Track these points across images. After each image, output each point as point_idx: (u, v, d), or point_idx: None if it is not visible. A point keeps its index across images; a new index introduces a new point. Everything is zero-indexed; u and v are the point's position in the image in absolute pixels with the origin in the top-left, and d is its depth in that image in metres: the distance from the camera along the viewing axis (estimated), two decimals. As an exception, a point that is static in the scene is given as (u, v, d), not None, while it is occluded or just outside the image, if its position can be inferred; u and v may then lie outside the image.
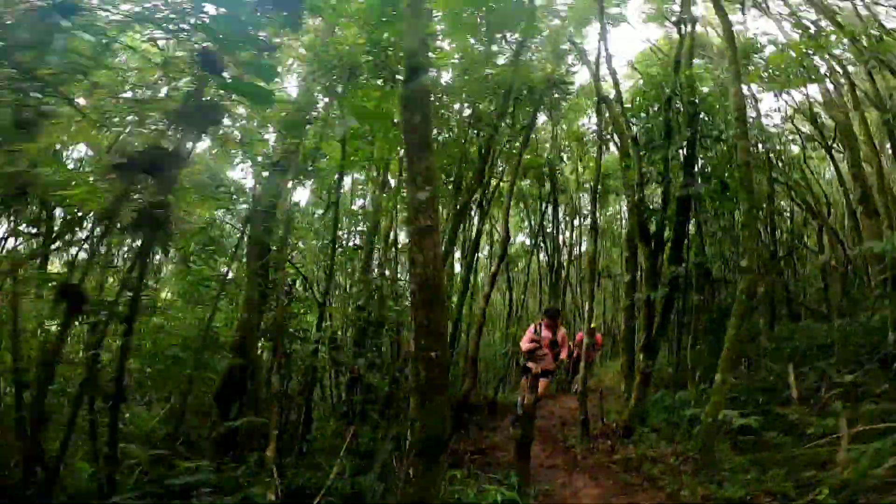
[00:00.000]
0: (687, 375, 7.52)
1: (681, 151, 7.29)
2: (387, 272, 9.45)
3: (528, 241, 19.36)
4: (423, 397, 2.33)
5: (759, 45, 12.89)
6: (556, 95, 11.88)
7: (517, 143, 10.65)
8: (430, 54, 4.79)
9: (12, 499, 3.25)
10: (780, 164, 12.92)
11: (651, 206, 7.56)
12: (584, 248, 20.07)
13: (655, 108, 8.16)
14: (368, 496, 3.36)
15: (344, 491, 3.35)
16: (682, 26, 9.97)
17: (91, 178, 3.11)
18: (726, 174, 7.53)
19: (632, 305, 8.21)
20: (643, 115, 8.36)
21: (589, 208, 15.79)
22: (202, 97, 3.04)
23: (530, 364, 7.02)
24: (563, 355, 7.40)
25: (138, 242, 3.83)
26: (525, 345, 7.24)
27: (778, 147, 13.01)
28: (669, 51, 11.80)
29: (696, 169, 7.11)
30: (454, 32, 7.45)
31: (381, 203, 9.08)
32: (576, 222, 19.32)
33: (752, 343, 8.44)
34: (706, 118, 7.82)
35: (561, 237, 18.07)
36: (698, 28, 11.23)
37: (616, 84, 10.34)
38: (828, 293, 11.76)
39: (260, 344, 5.50)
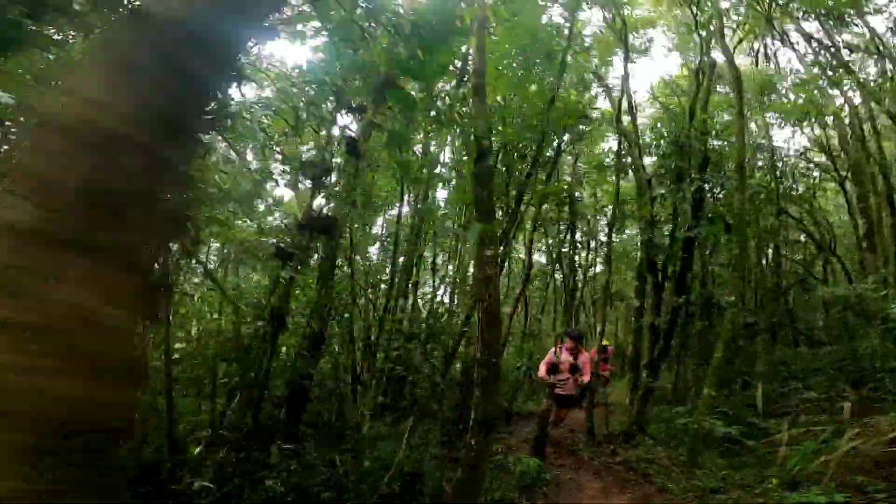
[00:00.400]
0: (686, 392, 8.58)
1: (690, 194, 8.40)
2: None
3: (544, 261, 20.49)
4: (484, 389, 3.49)
5: (779, 77, 13.98)
6: (581, 127, 13.12)
7: (542, 176, 11.82)
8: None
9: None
10: (793, 195, 13.91)
11: (659, 244, 8.68)
12: (598, 269, 21.16)
13: (669, 151, 9.31)
14: (428, 463, 4.49)
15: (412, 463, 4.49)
16: (700, 74, 11.09)
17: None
18: (728, 216, 8.63)
19: (639, 329, 9.28)
20: (656, 157, 9.52)
21: (605, 232, 16.96)
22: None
23: (556, 390, 6.95)
24: (584, 378, 7.01)
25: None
26: (542, 371, 7.10)
27: (791, 181, 14.02)
28: (689, 83, 12.91)
29: (702, 212, 8.21)
30: (496, 82, 8.61)
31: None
32: (592, 244, 20.41)
33: (751, 366, 9.45)
34: (715, 164, 8.95)
35: (577, 258, 19.13)
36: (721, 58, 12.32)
37: (635, 125, 11.52)
38: (827, 321, 12.66)
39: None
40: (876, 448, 3.80)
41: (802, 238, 15.90)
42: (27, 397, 0.88)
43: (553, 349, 7.30)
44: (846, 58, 12.48)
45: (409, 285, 7.87)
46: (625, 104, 11.62)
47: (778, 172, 12.64)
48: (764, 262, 13.00)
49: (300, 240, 3.76)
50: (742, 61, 13.71)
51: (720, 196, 9.15)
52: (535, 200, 11.35)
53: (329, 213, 4.13)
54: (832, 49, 12.26)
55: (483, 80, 4.17)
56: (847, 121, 13.11)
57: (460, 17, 3.28)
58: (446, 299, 10.53)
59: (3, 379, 0.88)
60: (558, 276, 19.11)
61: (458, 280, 10.69)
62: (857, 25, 11.84)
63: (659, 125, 11.13)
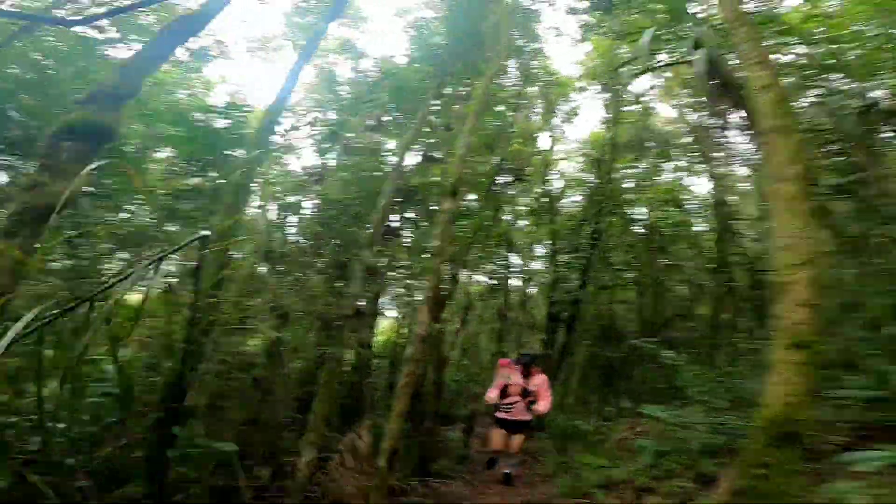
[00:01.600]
0: (573, 402, 12.47)
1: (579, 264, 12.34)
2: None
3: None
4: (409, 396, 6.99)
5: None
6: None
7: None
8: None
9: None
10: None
11: (558, 299, 12.54)
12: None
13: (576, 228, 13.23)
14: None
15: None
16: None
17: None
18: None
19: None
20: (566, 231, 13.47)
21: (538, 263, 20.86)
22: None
23: (500, 414, 6.74)
24: (541, 407, 6.70)
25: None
26: (490, 395, 6.86)
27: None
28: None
29: (588, 277, 12.14)
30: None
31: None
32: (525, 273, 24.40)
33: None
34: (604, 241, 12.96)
35: (512, 284, 23.01)
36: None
37: (553, 206, 15.50)
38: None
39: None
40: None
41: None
42: None
43: (505, 371, 7.07)
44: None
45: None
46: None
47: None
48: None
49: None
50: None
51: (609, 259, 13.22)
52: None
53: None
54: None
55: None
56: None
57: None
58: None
59: None
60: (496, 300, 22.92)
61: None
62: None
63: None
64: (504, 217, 20.48)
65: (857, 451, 3.43)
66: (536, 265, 22.23)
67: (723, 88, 6.38)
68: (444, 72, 8.25)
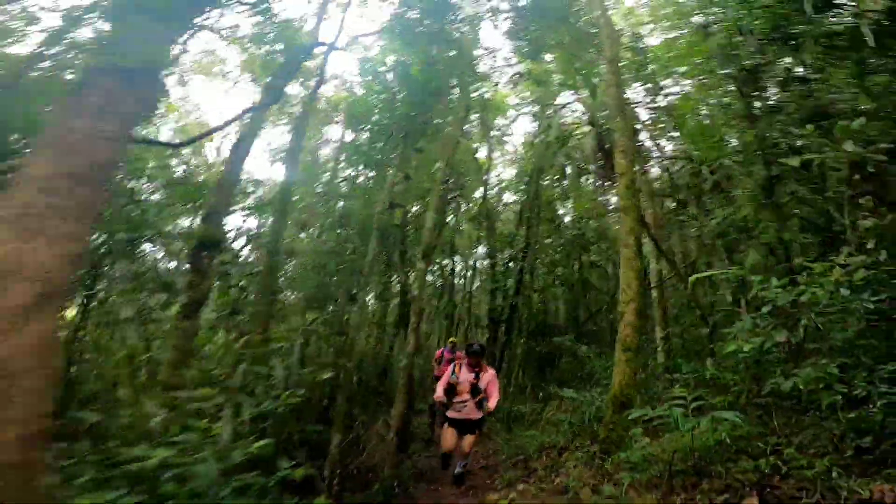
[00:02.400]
0: (514, 390, 15.24)
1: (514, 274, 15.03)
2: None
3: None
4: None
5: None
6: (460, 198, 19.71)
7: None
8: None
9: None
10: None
11: (496, 305, 15.20)
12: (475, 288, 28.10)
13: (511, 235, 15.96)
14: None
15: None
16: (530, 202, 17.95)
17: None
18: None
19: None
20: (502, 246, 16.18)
21: (483, 262, 23.59)
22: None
23: (450, 413, 6.49)
24: (492, 404, 6.38)
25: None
26: (439, 392, 6.54)
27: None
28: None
29: (521, 285, 14.87)
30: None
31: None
32: (468, 274, 27.22)
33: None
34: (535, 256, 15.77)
35: (457, 286, 25.75)
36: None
37: (490, 219, 18.18)
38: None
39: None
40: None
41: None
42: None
43: (452, 366, 6.79)
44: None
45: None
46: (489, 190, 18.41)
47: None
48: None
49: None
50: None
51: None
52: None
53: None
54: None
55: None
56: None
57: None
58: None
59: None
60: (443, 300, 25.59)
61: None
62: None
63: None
64: (447, 222, 23.27)
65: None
66: (478, 265, 25.21)
67: (607, 157, 9.10)
68: (406, 128, 10.60)
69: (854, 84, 5.49)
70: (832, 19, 6.02)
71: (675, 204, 9.45)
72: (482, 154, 21.78)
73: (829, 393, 3.70)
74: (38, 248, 2.47)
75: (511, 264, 15.42)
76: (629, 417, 5.08)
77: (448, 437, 6.59)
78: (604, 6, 9.68)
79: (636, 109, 13.83)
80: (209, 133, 8.38)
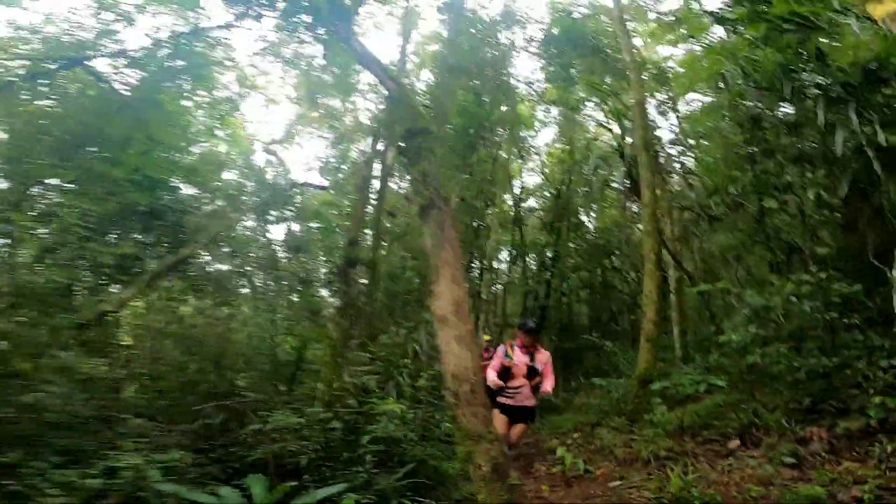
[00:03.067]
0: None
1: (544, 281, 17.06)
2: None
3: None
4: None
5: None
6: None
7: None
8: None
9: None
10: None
11: (529, 307, 17.21)
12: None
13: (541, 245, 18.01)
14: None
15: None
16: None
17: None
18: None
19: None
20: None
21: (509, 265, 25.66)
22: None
23: (502, 399, 6.06)
24: (547, 387, 6.08)
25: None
26: (492, 378, 5.94)
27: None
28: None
29: (550, 289, 16.88)
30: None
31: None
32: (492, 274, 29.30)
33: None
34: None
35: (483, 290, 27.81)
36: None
37: (520, 226, 20.24)
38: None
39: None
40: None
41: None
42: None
43: (503, 346, 6.36)
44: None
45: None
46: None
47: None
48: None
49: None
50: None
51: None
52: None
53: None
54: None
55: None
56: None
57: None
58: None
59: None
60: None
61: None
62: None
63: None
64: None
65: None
66: (504, 268, 27.23)
67: (635, 186, 11.08)
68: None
69: (825, 134, 7.29)
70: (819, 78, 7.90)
71: (694, 215, 11.51)
72: (511, 163, 23.83)
73: (777, 366, 5.70)
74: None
75: (540, 270, 17.47)
76: (651, 389, 7.12)
77: (500, 424, 5.86)
78: (632, 53, 11.67)
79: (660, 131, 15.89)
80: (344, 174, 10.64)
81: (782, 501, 4.05)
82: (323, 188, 12.35)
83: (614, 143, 14.46)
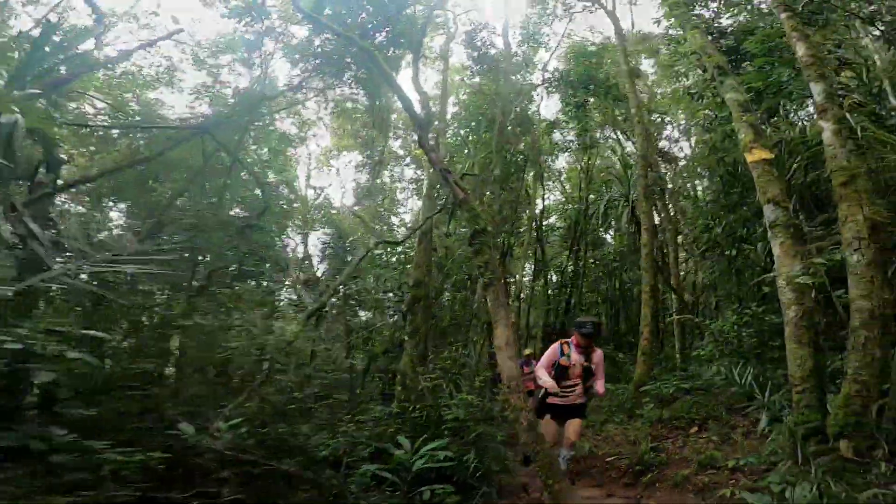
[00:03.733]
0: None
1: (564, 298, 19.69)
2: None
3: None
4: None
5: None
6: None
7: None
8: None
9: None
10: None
11: (549, 321, 19.87)
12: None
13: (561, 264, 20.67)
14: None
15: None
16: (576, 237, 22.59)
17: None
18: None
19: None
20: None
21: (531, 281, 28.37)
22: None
23: (553, 399, 6.00)
24: (600, 388, 6.17)
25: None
26: (545, 377, 5.90)
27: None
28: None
29: (571, 304, 19.52)
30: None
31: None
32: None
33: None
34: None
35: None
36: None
37: (542, 245, 22.88)
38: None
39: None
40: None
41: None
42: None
43: (558, 344, 6.31)
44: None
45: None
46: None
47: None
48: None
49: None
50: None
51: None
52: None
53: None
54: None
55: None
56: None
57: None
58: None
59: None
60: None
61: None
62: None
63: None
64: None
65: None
66: (527, 281, 29.87)
67: (637, 225, 13.71)
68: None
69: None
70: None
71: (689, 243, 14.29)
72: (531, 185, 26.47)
73: (719, 378, 8.39)
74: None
75: (561, 286, 20.13)
76: (642, 390, 9.81)
77: (551, 429, 6.02)
78: (641, 111, 14.32)
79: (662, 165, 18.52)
80: (413, 232, 13.50)
81: (695, 458, 6.66)
82: (397, 243, 15.45)
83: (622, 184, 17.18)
